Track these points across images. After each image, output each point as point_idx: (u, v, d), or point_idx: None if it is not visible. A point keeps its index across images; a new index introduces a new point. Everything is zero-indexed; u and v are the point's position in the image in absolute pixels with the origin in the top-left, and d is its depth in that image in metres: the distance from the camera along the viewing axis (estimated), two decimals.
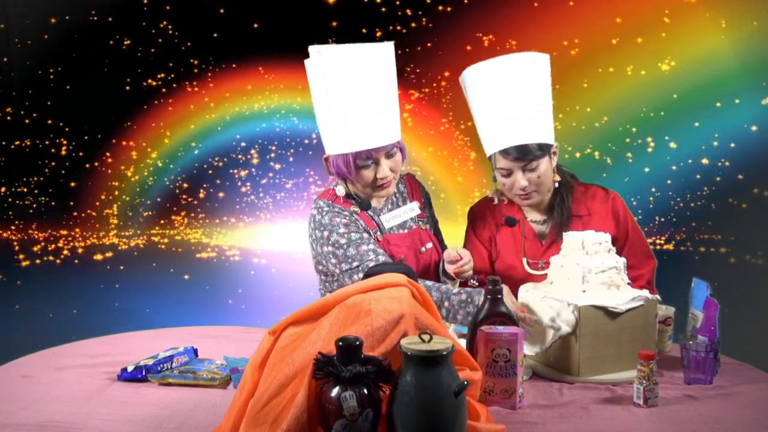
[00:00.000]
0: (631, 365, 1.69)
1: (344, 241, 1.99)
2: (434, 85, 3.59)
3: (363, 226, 2.04)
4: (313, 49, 1.94)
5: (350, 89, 1.93)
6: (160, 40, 3.78)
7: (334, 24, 3.69)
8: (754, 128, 3.33)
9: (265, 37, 3.75)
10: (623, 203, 2.17)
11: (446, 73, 3.53)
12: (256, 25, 3.74)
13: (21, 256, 3.89)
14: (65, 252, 3.90)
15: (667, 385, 1.65)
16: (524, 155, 2.03)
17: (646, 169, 3.45)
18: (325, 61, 1.93)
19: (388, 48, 1.98)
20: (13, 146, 3.84)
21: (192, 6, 3.76)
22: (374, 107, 1.95)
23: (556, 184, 2.15)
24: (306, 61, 1.96)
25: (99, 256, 3.91)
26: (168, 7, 3.76)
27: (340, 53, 1.93)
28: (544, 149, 2.07)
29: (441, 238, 2.26)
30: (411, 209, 2.15)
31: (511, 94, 2.04)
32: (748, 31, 3.36)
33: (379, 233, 2.07)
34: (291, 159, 3.83)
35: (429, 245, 2.14)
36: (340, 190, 2.09)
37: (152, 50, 3.79)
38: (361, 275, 1.92)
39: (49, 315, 3.81)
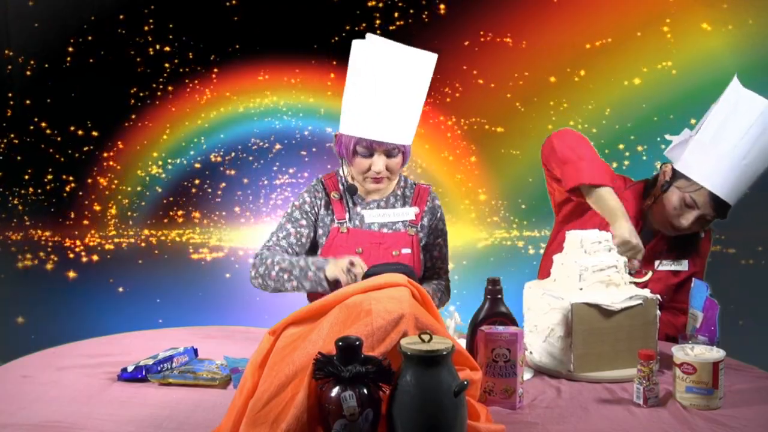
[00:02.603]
0: (629, 363, 1.69)
1: (289, 211, 2.16)
2: (436, 83, 3.59)
3: (322, 214, 2.14)
4: (368, 36, 2.02)
5: (380, 80, 1.99)
6: (160, 39, 3.79)
7: (335, 22, 3.70)
8: None
9: (265, 36, 3.75)
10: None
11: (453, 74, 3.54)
12: (257, 24, 3.74)
13: (20, 257, 3.89)
14: (64, 252, 3.90)
15: (668, 385, 1.65)
16: (721, 212, 2.05)
17: (646, 170, 3.45)
18: (371, 48, 2.00)
19: (430, 58, 2.04)
20: (11, 146, 3.84)
21: (192, 5, 3.77)
22: (394, 105, 2.01)
23: (702, 234, 2.20)
24: (354, 42, 2.02)
25: (98, 256, 3.91)
26: (168, 7, 3.77)
27: (388, 46, 2.01)
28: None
29: (438, 256, 2.25)
30: (405, 213, 2.17)
31: (760, 153, 2.01)
32: (748, 31, 3.36)
33: (345, 225, 2.12)
34: (291, 158, 3.83)
35: (406, 250, 2.13)
36: (344, 170, 2.18)
37: (152, 49, 3.79)
38: (263, 251, 2.08)
39: (48, 315, 3.80)
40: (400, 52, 2.01)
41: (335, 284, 1.90)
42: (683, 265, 2.16)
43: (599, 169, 2.04)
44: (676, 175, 2.10)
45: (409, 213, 2.17)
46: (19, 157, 3.85)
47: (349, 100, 2.05)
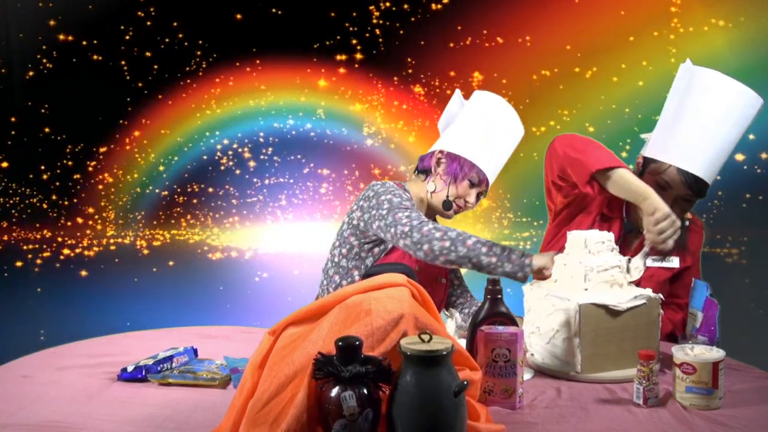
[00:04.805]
0: (634, 363, 1.69)
1: (405, 197, 2.12)
2: (436, 81, 3.59)
3: None
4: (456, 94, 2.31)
5: (500, 127, 2.23)
6: (159, 39, 3.79)
7: (336, 22, 3.70)
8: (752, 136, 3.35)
9: (266, 35, 3.75)
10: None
11: (452, 73, 3.54)
12: (257, 25, 3.75)
13: (20, 257, 3.89)
14: (64, 252, 3.90)
15: (668, 385, 1.65)
16: (696, 189, 2.02)
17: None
18: (482, 99, 2.25)
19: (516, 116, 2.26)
20: (11, 146, 3.84)
21: (192, 6, 3.77)
22: (504, 149, 2.24)
23: (687, 222, 2.16)
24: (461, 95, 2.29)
25: (97, 257, 3.91)
26: (168, 7, 3.77)
27: (497, 99, 2.25)
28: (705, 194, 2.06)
29: (456, 277, 2.39)
30: None
31: (727, 124, 1.98)
32: (748, 30, 3.36)
33: None
34: (291, 158, 3.83)
35: (442, 279, 2.27)
36: (431, 186, 2.23)
37: (151, 48, 3.79)
38: (411, 214, 2.02)
39: (49, 315, 3.80)
40: (505, 104, 2.23)
41: (538, 272, 1.92)
42: (674, 262, 2.15)
43: (606, 155, 2.02)
44: (647, 162, 2.10)
45: None
46: (17, 157, 3.85)
47: (477, 133, 2.18)
